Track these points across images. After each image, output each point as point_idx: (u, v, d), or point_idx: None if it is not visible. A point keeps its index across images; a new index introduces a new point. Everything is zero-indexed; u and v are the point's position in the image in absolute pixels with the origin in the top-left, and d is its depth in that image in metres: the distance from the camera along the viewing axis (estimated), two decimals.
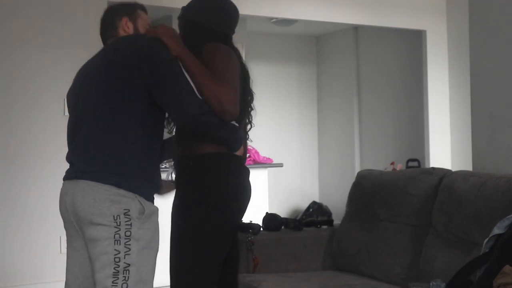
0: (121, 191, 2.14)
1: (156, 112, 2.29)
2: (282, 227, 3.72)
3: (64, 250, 4.74)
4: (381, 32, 7.53)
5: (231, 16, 2.70)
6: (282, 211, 7.91)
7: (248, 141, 2.70)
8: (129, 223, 2.12)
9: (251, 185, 2.61)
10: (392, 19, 6.81)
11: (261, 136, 7.22)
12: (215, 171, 2.48)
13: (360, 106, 8.22)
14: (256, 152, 6.06)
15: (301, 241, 3.65)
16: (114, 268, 2.09)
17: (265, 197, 5.91)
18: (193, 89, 2.26)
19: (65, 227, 2.31)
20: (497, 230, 2.52)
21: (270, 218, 3.71)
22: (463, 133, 6.58)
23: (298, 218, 7.34)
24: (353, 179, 3.85)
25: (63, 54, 4.94)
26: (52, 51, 4.96)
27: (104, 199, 2.12)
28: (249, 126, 2.71)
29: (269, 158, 6.21)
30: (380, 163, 7.21)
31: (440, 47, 6.99)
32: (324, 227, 3.85)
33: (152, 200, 2.27)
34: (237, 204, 2.55)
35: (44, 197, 4.80)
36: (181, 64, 2.32)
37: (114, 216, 2.11)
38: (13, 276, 4.78)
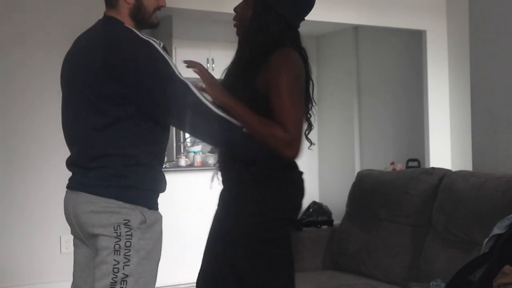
0: (121, 203, 2.11)
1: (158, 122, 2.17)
2: None
3: (64, 250, 4.78)
4: (381, 32, 7.53)
5: (311, 2, 2.29)
6: None
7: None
8: (129, 233, 2.10)
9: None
10: (392, 19, 6.81)
11: None
12: (269, 185, 2.36)
13: (360, 106, 8.21)
14: None
15: (301, 241, 3.65)
16: (112, 279, 2.07)
17: None
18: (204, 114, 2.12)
19: (72, 233, 2.30)
20: (497, 230, 2.52)
21: None
22: (463, 133, 6.58)
23: (298, 218, 7.33)
24: (353, 179, 3.85)
25: (65, 52, 4.93)
26: (53, 49, 4.95)
27: (103, 211, 2.11)
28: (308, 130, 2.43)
29: None
30: (380, 163, 7.21)
31: (440, 47, 6.99)
32: (324, 227, 3.85)
33: (155, 208, 2.21)
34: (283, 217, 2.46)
35: (44, 197, 4.80)
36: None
37: (114, 227, 2.09)
38: (13, 276, 4.78)
